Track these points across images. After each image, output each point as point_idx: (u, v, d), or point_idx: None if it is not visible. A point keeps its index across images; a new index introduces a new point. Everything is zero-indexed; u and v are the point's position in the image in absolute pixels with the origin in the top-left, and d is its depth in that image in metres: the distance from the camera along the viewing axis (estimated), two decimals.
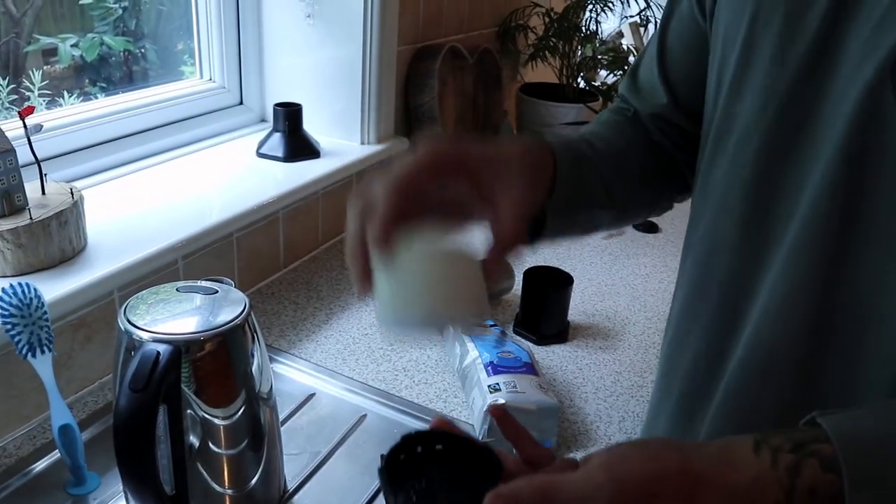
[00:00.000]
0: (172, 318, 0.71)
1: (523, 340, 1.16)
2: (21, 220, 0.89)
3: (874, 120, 0.49)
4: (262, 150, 1.37)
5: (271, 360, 1.06)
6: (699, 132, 0.68)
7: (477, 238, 0.57)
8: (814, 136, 0.54)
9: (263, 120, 1.55)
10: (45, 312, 0.78)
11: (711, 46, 0.65)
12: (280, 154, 1.35)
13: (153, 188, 1.19)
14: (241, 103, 1.51)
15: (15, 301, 0.73)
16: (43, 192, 0.96)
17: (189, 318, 0.72)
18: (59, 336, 0.91)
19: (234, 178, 1.28)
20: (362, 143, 1.49)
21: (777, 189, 0.58)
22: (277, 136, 1.37)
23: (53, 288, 0.88)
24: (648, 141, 0.75)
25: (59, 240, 0.93)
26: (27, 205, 0.92)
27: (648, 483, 0.47)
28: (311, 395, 1.02)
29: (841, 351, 0.55)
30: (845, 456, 0.45)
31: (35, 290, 0.76)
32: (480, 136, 0.58)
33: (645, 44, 2.93)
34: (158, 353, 0.66)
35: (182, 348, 0.68)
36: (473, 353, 1.00)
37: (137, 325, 0.69)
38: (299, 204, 1.33)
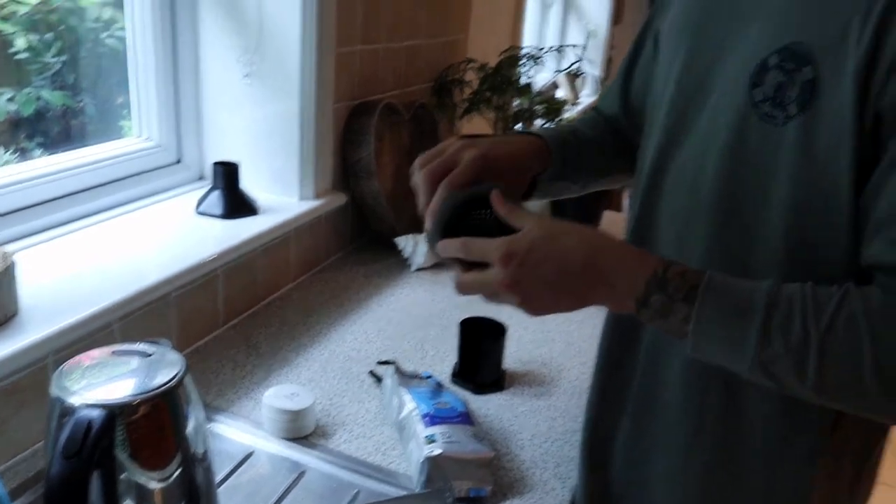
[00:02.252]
0: (107, 381, 0.72)
1: (460, 390, 1.18)
2: None
3: (743, 122, 0.71)
4: (201, 209, 1.38)
5: (209, 419, 1.06)
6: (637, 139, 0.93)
7: None
8: (706, 130, 0.76)
9: (202, 177, 1.56)
10: None
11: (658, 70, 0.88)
12: (219, 212, 1.37)
13: (90, 249, 1.19)
14: (179, 162, 1.53)
15: None
16: None
17: (124, 381, 0.73)
18: None
19: (172, 236, 1.29)
20: (301, 198, 1.52)
21: (676, 158, 0.80)
22: (216, 194, 1.39)
23: None
24: (614, 131, 1.03)
25: None
26: None
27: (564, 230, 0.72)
28: (250, 454, 1.03)
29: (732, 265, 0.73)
30: (710, 276, 0.67)
31: None
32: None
33: (579, 93, 3.13)
34: (91, 419, 0.66)
35: (116, 413, 0.68)
36: (410, 405, 1.02)
37: (71, 390, 0.70)
38: (238, 261, 1.34)
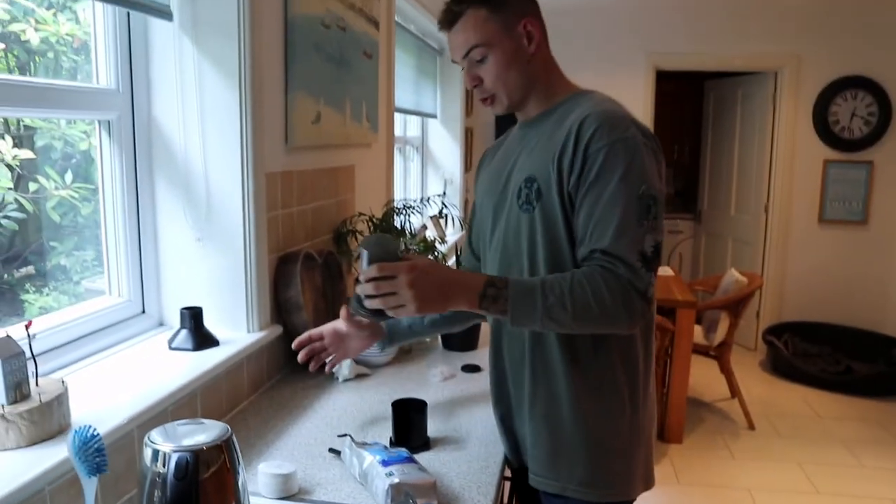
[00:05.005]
0: (182, 438, 1.08)
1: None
2: (32, 403, 1.22)
3: (518, 214, 1.43)
4: (174, 345, 1.74)
5: None
6: None
7: None
8: (506, 222, 1.47)
9: (162, 324, 1.92)
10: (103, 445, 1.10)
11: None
12: (189, 346, 1.73)
13: (101, 381, 1.52)
14: (143, 312, 1.88)
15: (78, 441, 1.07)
16: (37, 383, 1.29)
17: (194, 437, 1.09)
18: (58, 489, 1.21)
19: (159, 368, 1.64)
20: (248, 331, 1.90)
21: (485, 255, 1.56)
22: (185, 332, 1.75)
23: (56, 453, 1.19)
24: None
25: (58, 416, 1.26)
26: (31, 392, 1.25)
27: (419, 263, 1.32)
28: None
29: None
30: (510, 282, 1.31)
31: (94, 429, 1.10)
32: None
33: (445, 233, 3.88)
34: (188, 456, 1.03)
35: (199, 453, 1.04)
36: (370, 458, 1.41)
37: (161, 444, 1.05)
38: (210, 383, 1.69)
